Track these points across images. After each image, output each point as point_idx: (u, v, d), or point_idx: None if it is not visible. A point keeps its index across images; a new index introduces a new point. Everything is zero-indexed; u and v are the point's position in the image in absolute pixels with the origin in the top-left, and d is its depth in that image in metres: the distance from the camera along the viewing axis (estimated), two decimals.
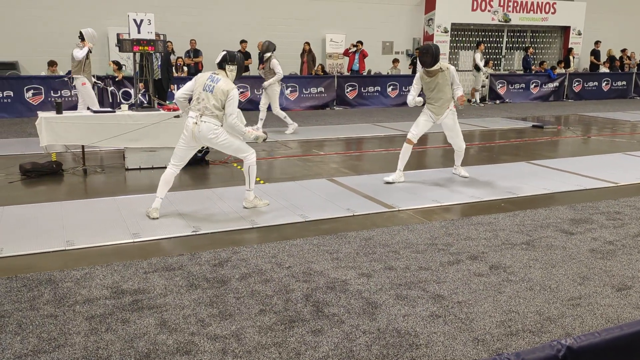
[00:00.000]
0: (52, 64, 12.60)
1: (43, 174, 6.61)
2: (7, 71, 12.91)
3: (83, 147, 6.98)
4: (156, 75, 9.75)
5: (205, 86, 4.93)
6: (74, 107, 11.72)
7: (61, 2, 14.10)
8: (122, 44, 6.89)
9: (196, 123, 4.90)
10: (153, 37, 7.07)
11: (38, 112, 6.82)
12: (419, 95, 6.50)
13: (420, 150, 8.82)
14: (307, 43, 15.58)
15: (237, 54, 5.10)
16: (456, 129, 6.52)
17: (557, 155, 8.56)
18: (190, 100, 5.12)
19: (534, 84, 16.85)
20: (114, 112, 7.03)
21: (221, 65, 5.03)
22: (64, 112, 6.80)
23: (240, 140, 5.17)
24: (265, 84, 9.96)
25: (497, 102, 16.21)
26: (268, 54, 10.00)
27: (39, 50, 13.67)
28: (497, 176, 6.91)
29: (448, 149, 8.97)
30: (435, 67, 6.15)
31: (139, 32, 6.96)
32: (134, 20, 6.87)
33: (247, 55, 14.56)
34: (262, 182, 6.57)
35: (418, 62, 6.49)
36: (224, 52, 5.12)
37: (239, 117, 5.07)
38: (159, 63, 9.98)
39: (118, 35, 7.18)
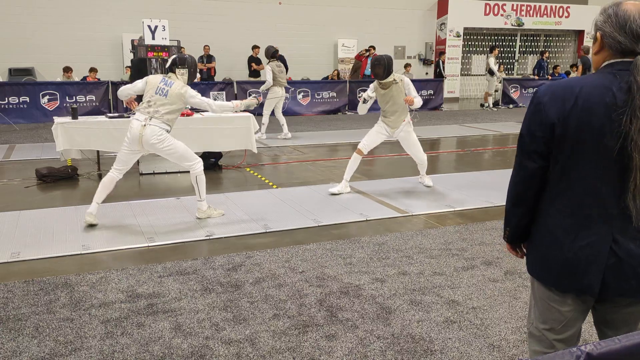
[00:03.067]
0: (67, 69, 12.77)
1: (59, 179, 6.69)
2: (23, 77, 13.09)
3: (98, 152, 7.04)
4: None
5: (158, 89, 4.80)
6: (89, 112, 11.89)
7: (76, 9, 14.28)
8: (137, 50, 6.95)
9: (144, 126, 4.75)
10: (167, 43, 7.13)
11: (54, 117, 6.90)
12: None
13: (432, 156, 8.79)
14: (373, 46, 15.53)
15: (188, 57, 5.00)
16: (413, 141, 6.22)
17: None
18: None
19: None
20: (129, 117, 7.09)
21: (171, 69, 4.94)
22: (79, 117, 6.87)
23: (185, 147, 4.99)
24: (262, 88, 10.05)
25: (511, 106, 16.11)
26: (267, 60, 10.05)
27: (55, 57, 13.86)
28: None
29: (461, 153, 8.94)
30: (389, 79, 5.89)
31: (153, 38, 7.03)
32: (149, 26, 6.93)
33: (258, 61, 14.61)
34: (274, 186, 6.58)
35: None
36: (174, 56, 5.04)
37: (215, 102, 4.97)
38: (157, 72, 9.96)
39: (132, 41, 7.23)
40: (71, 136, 6.57)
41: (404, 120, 6.11)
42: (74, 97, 11.95)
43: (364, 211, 5.50)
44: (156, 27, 6.84)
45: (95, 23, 14.43)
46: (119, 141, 6.83)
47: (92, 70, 12.86)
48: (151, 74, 9.46)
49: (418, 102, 5.90)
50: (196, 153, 7.48)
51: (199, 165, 5.07)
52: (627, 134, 1.57)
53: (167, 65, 5.02)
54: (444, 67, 16.71)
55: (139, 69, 8.63)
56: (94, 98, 12.13)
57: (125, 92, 5.04)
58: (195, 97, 4.86)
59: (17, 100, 11.51)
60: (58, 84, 12.13)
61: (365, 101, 6.14)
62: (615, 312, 1.76)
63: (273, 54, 9.94)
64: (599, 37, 1.68)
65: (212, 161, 7.59)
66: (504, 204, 1.97)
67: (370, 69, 6.10)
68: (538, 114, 1.71)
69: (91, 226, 4.91)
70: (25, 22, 13.89)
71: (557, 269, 1.74)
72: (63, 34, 14.19)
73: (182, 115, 7.27)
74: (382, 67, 5.83)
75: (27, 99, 11.57)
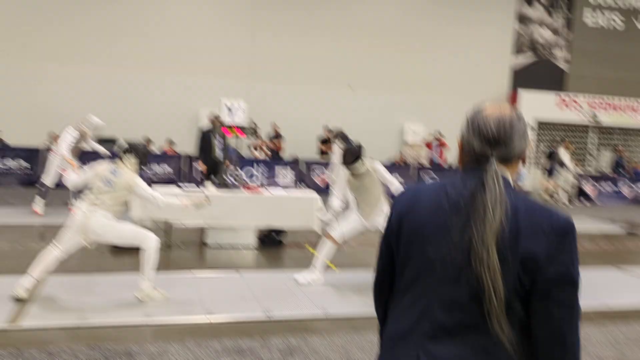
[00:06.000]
0: (147, 141, 13.57)
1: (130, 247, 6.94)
2: (109, 146, 14.01)
3: (169, 222, 7.31)
4: (215, 158, 9.93)
5: (104, 179, 4.69)
6: (164, 182, 12.48)
7: (157, 83, 15.35)
8: (214, 127, 7.32)
9: (88, 217, 4.62)
10: (244, 123, 7.48)
11: None
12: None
13: None
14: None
15: (139, 145, 4.94)
16: None
17: None
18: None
19: (627, 186, 16.05)
20: (201, 190, 7.38)
21: (120, 157, 4.85)
22: (156, 188, 7.21)
23: (132, 228, 4.84)
24: (331, 171, 10.26)
25: (588, 204, 15.51)
26: (336, 140, 10.30)
27: (137, 128, 14.78)
28: (583, 282, 6.46)
29: None
30: (361, 170, 5.59)
31: (230, 117, 7.39)
32: (226, 105, 7.31)
33: (327, 142, 14.99)
34: (335, 269, 6.54)
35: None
36: (124, 143, 4.99)
37: (161, 198, 4.86)
38: (219, 144, 9.99)
39: (212, 116, 7.66)
40: (146, 206, 6.88)
41: (382, 210, 5.67)
42: (152, 168, 12.62)
43: None
44: (234, 107, 7.20)
45: (175, 97, 15.42)
46: (190, 214, 7.11)
47: (170, 142, 13.60)
48: (215, 145, 9.93)
49: (397, 186, 5.59)
50: (260, 230, 7.74)
51: (152, 242, 4.79)
52: (468, 247, 1.42)
53: (121, 151, 4.92)
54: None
55: (203, 140, 9.57)
56: (170, 169, 12.75)
57: (77, 185, 5.02)
58: (143, 188, 4.77)
59: None
60: None
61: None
62: None
63: (343, 137, 10.21)
64: (458, 142, 1.65)
65: (274, 238, 7.69)
66: None
67: (342, 158, 5.82)
68: (390, 211, 1.67)
69: (18, 300, 4.59)
70: (111, 95, 15.05)
71: None
72: (145, 107, 15.21)
73: (248, 189, 7.52)
74: (352, 155, 5.55)
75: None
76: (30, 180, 11.71)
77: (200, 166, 10.11)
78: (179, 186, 7.41)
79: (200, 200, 5.20)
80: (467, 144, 1.59)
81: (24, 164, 12.07)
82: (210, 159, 9.79)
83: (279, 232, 7.74)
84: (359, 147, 5.74)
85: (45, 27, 14.65)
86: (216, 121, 9.85)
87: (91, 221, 4.62)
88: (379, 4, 16.97)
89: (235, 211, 7.20)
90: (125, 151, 4.86)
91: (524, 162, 1.60)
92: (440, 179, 1.66)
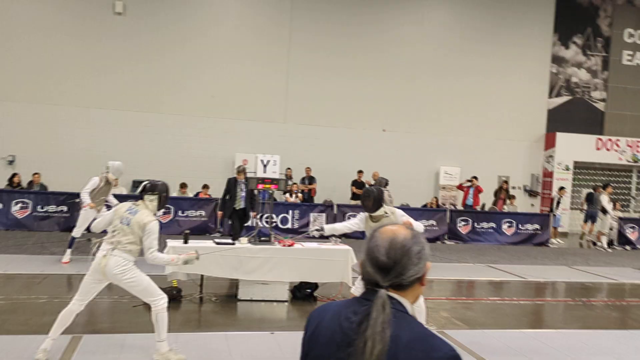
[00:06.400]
0: (183, 185, 13.81)
1: None
2: None
3: (202, 275, 7.33)
4: (237, 205, 10.21)
5: (122, 218, 4.70)
6: (197, 227, 12.58)
7: (195, 129, 15.71)
8: (249, 182, 7.39)
9: (105, 256, 4.64)
10: (277, 176, 7.52)
11: (167, 240, 7.35)
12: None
13: (538, 304, 8.21)
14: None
15: (159, 184, 4.86)
16: None
17: None
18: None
19: None
20: (234, 244, 7.40)
21: (141, 196, 4.82)
22: (189, 241, 7.27)
23: (149, 281, 4.78)
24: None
25: (628, 248, 14.96)
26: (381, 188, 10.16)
27: (173, 171, 15.06)
28: (630, 346, 6.17)
29: (571, 304, 8.24)
30: (379, 212, 5.62)
31: (264, 171, 7.46)
32: (261, 160, 7.38)
33: (361, 185, 14.96)
34: None
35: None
36: (146, 182, 4.92)
37: (154, 252, 4.77)
38: (243, 194, 10.27)
39: (246, 174, 7.75)
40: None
41: None
42: (185, 212, 12.78)
43: None
44: (268, 161, 7.27)
45: (212, 142, 15.73)
46: (223, 267, 7.12)
47: (205, 186, 13.80)
48: (237, 192, 10.16)
49: (417, 225, 5.50)
50: (292, 283, 7.68)
51: (162, 301, 4.77)
52: None
53: (139, 191, 4.91)
54: (559, 203, 15.94)
55: (229, 187, 10.19)
56: (203, 213, 12.89)
57: (98, 226, 5.03)
58: (152, 235, 4.68)
59: None
60: (173, 199, 13.07)
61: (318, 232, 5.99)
62: None
63: (386, 184, 10.14)
64: (359, 264, 1.61)
65: (307, 292, 7.61)
66: None
67: (361, 201, 5.75)
68: (304, 330, 1.67)
69: None
70: (149, 139, 15.43)
71: None
72: (183, 151, 15.55)
73: (283, 244, 7.49)
74: (372, 200, 5.57)
75: None
76: (69, 226, 11.99)
77: (219, 214, 10.47)
78: (211, 230, 7.42)
79: (190, 255, 5.14)
80: (363, 267, 1.58)
81: (62, 208, 12.35)
82: (230, 206, 10.17)
83: (311, 285, 7.66)
84: (380, 190, 5.71)
85: (90, 74, 15.25)
86: (238, 171, 10.26)
87: (110, 261, 4.62)
88: (414, 45, 17.10)
89: (268, 265, 7.17)
90: (145, 190, 4.83)
91: (423, 283, 1.55)
92: (342, 303, 1.64)
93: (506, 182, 15.96)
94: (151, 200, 4.80)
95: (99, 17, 15.29)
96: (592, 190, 15.41)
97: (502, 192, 15.71)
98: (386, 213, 5.67)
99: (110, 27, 15.34)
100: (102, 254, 4.69)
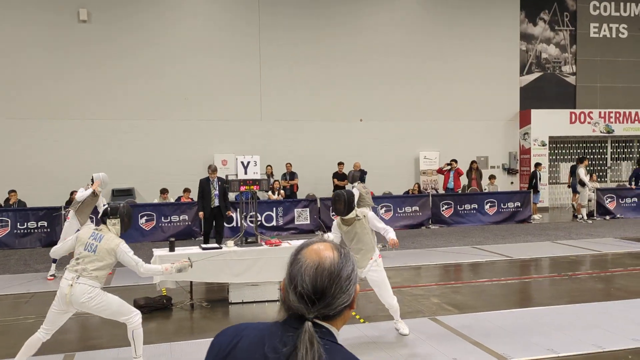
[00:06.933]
0: (163, 191, 13.71)
1: (155, 309, 6.94)
2: (125, 197, 14.15)
3: (191, 282, 7.30)
4: (212, 204, 10.60)
5: (86, 245, 4.64)
6: (181, 231, 12.52)
7: (175, 132, 15.57)
8: (231, 185, 7.36)
9: (71, 285, 4.54)
10: (258, 177, 7.51)
11: (153, 249, 7.29)
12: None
13: (525, 282, 8.36)
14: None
15: (120, 206, 4.83)
16: (382, 282, 5.61)
17: None
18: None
19: None
20: (221, 247, 7.37)
21: (103, 220, 4.78)
22: (175, 248, 7.22)
23: (119, 302, 4.74)
24: None
25: (607, 217, 15.27)
26: (354, 183, 10.21)
27: (153, 176, 14.96)
28: (617, 317, 6.32)
29: (557, 279, 8.40)
30: (351, 215, 5.55)
31: (245, 173, 7.44)
32: (242, 162, 7.37)
33: (342, 177, 15.01)
34: (362, 320, 6.44)
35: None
36: (105, 206, 4.94)
37: (143, 265, 4.80)
38: (216, 192, 10.62)
39: (227, 176, 7.69)
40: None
41: (372, 258, 5.60)
42: (168, 217, 12.69)
43: (457, 356, 5.21)
44: (249, 162, 7.25)
45: (190, 145, 15.61)
46: (212, 272, 7.10)
47: (186, 190, 13.71)
48: (210, 191, 10.40)
49: (392, 234, 5.54)
50: (280, 281, 7.67)
51: (136, 318, 4.76)
52: None
53: (100, 216, 4.90)
54: (540, 178, 16.18)
55: (202, 189, 10.51)
56: (186, 217, 12.81)
57: (58, 252, 5.01)
58: (127, 253, 4.69)
59: None
60: (155, 205, 12.99)
61: None
62: None
63: (361, 178, 10.16)
64: (281, 286, 1.45)
65: None
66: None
67: (332, 205, 5.70)
68: (207, 353, 1.50)
69: None
70: (128, 145, 15.26)
71: None
72: (161, 156, 15.41)
73: (270, 244, 7.48)
74: (343, 203, 5.47)
75: None
76: (52, 241, 11.81)
77: (200, 215, 10.76)
78: (196, 234, 7.38)
79: (182, 263, 5.12)
80: (286, 293, 1.40)
81: (43, 224, 12.17)
82: (207, 206, 10.55)
83: None
84: (351, 193, 5.67)
85: (58, 84, 14.97)
86: (211, 170, 10.72)
87: (75, 290, 4.53)
88: (385, 33, 17.11)
89: (257, 266, 7.17)
90: (107, 214, 4.77)
91: (353, 307, 1.42)
92: (263, 327, 1.45)
93: (474, 162, 16.06)
94: (114, 224, 4.76)
95: (63, 26, 14.99)
96: (575, 164, 15.69)
97: (473, 172, 15.86)
98: (358, 216, 5.60)
99: (76, 35, 15.06)
100: (67, 284, 4.58)
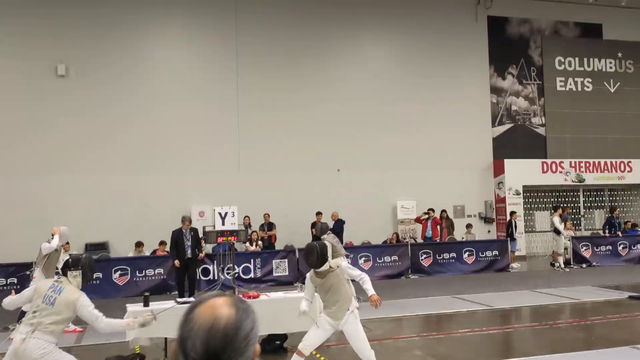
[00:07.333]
0: (138, 244, 13.41)
1: None
2: (99, 252, 13.80)
3: (166, 338, 7.03)
4: (185, 255, 10.68)
5: (45, 297, 4.46)
6: (156, 285, 12.19)
7: (149, 186, 15.39)
8: (208, 236, 7.25)
9: (24, 340, 4.33)
10: (236, 227, 7.41)
11: (127, 305, 7.05)
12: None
13: (507, 332, 8.27)
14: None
15: (82, 258, 4.73)
16: (359, 335, 5.44)
17: None
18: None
19: (622, 246, 16.01)
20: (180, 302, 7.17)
21: (64, 272, 4.64)
22: (150, 303, 6.99)
23: (71, 358, 4.56)
24: None
25: (584, 265, 15.38)
26: (323, 235, 10.17)
27: (128, 230, 14.62)
28: None
29: (538, 328, 8.32)
30: (324, 268, 5.43)
31: (223, 224, 7.35)
32: (219, 213, 7.28)
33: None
34: None
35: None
36: (67, 257, 4.82)
37: (104, 320, 4.60)
38: (189, 243, 10.66)
39: (204, 227, 7.60)
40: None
41: (348, 309, 5.45)
42: (143, 271, 12.36)
43: None
44: (226, 213, 7.17)
45: (165, 196, 15.41)
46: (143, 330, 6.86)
47: (162, 243, 13.41)
48: (183, 242, 10.48)
49: (368, 285, 5.43)
50: (260, 336, 7.45)
51: None
52: None
53: (61, 267, 4.80)
54: (516, 226, 16.37)
55: (176, 240, 10.62)
56: (162, 271, 12.49)
57: (12, 303, 4.80)
58: (87, 307, 4.51)
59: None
60: (129, 259, 12.68)
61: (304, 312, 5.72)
62: None
63: (340, 228, 10.14)
64: (172, 350, 1.31)
65: (277, 344, 7.41)
66: None
67: (305, 258, 5.59)
68: None
69: None
70: (102, 198, 15.00)
71: None
72: (137, 209, 15.15)
73: (248, 297, 7.30)
74: (315, 255, 5.36)
75: (101, 275, 12.03)
76: None
77: (176, 263, 10.76)
78: (177, 301, 7.17)
79: (145, 317, 4.95)
80: (177, 358, 1.27)
81: (13, 280, 11.75)
82: (182, 258, 10.63)
83: (280, 336, 7.47)
84: (323, 245, 5.56)
85: (30, 137, 14.80)
86: (185, 220, 10.82)
87: (29, 344, 4.32)
88: (360, 87, 17.48)
89: None
90: (69, 266, 4.62)
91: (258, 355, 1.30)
92: None
93: (444, 211, 16.12)
94: (75, 276, 4.63)
95: (41, 80, 14.97)
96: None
97: (444, 221, 15.94)
98: (331, 267, 5.49)
99: (53, 90, 15.03)
100: (20, 337, 4.38)
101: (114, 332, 5.24)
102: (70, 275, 4.62)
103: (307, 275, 5.71)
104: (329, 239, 9.91)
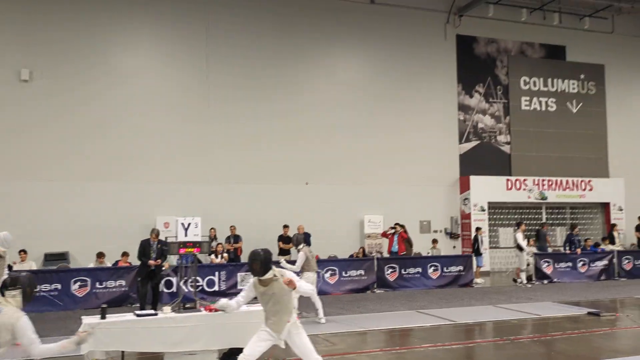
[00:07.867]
0: (100, 255, 13.07)
1: None
2: (58, 262, 13.40)
3: (123, 352, 6.83)
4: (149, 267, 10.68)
5: None
6: (117, 297, 11.90)
7: (112, 195, 15.06)
8: (170, 247, 7.10)
9: None
10: (199, 239, 7.29)
11: (82, 317, 6.81)
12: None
13: (469, 347, 8.32)
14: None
15: (21, 276, 4.49)
16: (303, 343, 5.40)
17: (623, 354, 7.85)
18: None
19: (582, 263, 16.36)
20: (157, 314, 7.00)
21: (2, 292, 4.38)
22: (107, 316, 6.78)
23: None
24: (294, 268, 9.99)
25: (545, 282, 15.65)
26: (300, 247, 10.13)
27: (89, 240, 14.23)
28: None
29: (500, 343, 8.40)
30: (268, 276, 5.36)
31: (185, 235, 7.22)
32: (182, 224, 7.16)
33: (287, 240, 14.84)
34: None
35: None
36: (5, 276, 4.64)
37: (38, 346, 4.31)
38: (154, 255, 10.61)
39: (166, 238, 7.45)
40: (98, 338, 6.40)
41: (289, 321, 5.40)
42: (104, 283, 12.04)
43: None
44: (189, 224, 7.05)
45: (130, 207, 15.10)
46: (146, 340, 6.68)
47: (125, 254, 13.12)
48: (149, 254, 10.45)
49: (305, 286, 5.45)
50: (221, 350, 7.30)
51: None
52: None
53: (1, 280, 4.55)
54: (482, 242, 16.59)
55: (143, 249, 10.63)
56: (123, 283, 12.17)
57: None
58: (26, 330, 4.22)
59: (50, 287, 11.60)
60: (89, 270, 12.33)
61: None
62: None
63: (306, 241, 10.09)
64: None
65: (237, 358, 7.26)
66: None
67: (248, 265, 5.51)
68: None
69: None
70: (62, 207, 14.60)
71: None
72: (99, 219, 14.78)
73: (209, 310, 7.15)
74: (259, 263, 5.31)
75: (59, 286, 11.66)
76: None
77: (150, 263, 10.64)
78: (136, 313, 6.98)
79: (81, 335, 4.77)
80: None
81: None
82: (146, 266, 10.65)
83: (241, 350, 7.33)
84: (268, 252, 5.47)
85: None
86: (153, 234, 10.63)
87: None
88: (330, 102, 17.55)
89: (195, 334, 6.80)
90: (6, 285, 4.37)
91: None
92: None
93: (402, 226, 16.06)
94: (14, 296, 4.35)
95: (3, 85, 14.57)
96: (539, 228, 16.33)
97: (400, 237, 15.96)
98: (275, 276, 5.40)
99: (16, 95, 14.64)
100: None
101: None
102: (9, 295, 4.35)
103: (251, 280, 5.61)
104: (304, 251, 9.88)
